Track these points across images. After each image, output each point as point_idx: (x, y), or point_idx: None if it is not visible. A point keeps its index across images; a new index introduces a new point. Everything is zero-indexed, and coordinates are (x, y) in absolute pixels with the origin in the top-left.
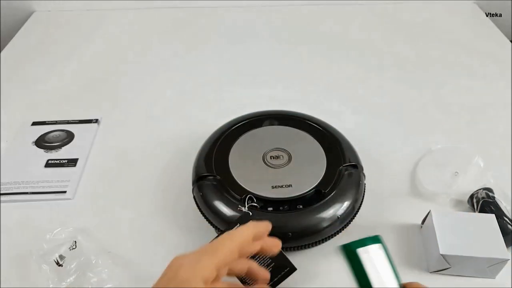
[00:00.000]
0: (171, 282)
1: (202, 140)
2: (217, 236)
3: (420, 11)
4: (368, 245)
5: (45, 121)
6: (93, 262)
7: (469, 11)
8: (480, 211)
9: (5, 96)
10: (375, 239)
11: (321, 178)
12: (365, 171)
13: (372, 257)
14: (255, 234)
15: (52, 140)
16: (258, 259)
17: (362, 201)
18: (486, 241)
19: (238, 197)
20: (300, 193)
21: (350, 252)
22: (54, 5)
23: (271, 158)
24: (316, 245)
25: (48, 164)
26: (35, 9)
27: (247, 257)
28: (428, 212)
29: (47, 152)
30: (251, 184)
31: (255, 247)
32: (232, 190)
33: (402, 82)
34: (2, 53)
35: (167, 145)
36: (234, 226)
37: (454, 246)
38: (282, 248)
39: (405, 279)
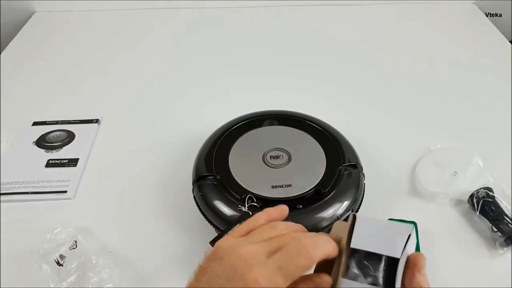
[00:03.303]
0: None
1: (202, 140)
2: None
3: (419, 12)
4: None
5: (45, 121)
6: (94, 262)
7: (468, 11)
8: (481, 211)
9: (6, 96)
10: (410, 222)
11: (320, 178)
12: (364, 171)
13: None
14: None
15: (53, 140)
16: None
17: (361, 201)
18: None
19: (238, 197)
20: (300, 193)
21: None
22: (54, 5)
23: (271, 158)
24: None
25: (48, 164)
26: (35, 9)
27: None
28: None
29: (47, 152)
30: (251, 184)
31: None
32: (232, 190)
33: (402, 81)
34: (3, 53)
35: (167, 145)
36: (234, 226)
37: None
38: None
39: None
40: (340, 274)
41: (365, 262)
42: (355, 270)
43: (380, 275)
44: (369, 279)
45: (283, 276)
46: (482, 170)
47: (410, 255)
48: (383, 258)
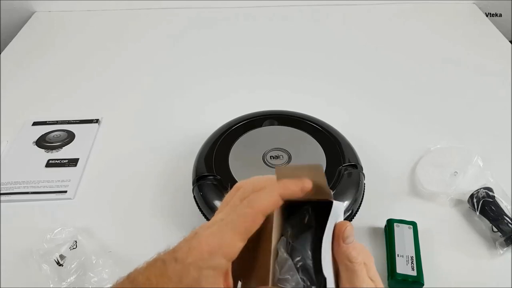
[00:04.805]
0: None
1: (202, 140)
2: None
3: (419, 12)
4: (402, 224)
5: (45, 121)
6: (94, 262)
7: (468, 11)
8: (481, 211)
9: (6, 96)
10: (410, 223)
11: None
12: (364, 171)
13: (402, 232)
14: (284, 197)
15: (53, 140)
16: None
17: (361, 201)
18: None
19: None
20: None
21: (389, 224)
22: (54, 5)
23: (271, 158)
24: None
25: (48, 164)
26: (35, 9)
27: None
28: None
29: (47, 152)
30: None
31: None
32: None
33: (402, 82)
34: (3, 53)
35: (168, 145)
36: None
37: None
38: None
39: None
40: (271, 263)
41: (293, 244)
42: (284, 255)
43: (309, 254)
44: (298, 259)
45: (226, 224)
46: (482, 170)
47: (336, 224)
48: (310, 238)
